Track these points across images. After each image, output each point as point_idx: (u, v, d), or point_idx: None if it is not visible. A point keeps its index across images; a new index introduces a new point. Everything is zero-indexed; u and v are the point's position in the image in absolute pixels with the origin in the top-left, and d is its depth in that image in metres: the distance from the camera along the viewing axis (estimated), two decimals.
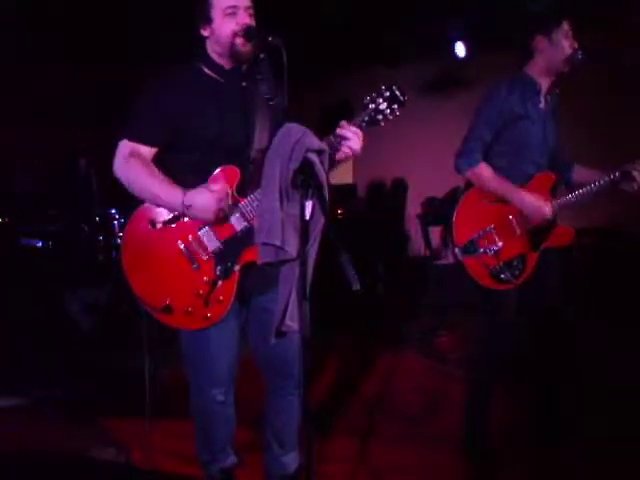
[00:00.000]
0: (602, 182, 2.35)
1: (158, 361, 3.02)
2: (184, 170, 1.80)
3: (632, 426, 2.70)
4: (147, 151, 1.80)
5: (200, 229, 1.78)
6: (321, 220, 1.68)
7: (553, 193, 2.41)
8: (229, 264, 1.77)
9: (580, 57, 2.28)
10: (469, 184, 2.39)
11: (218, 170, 1.76)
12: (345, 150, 1.75)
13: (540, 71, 2.37)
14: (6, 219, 3.94)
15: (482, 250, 2.31)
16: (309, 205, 1.59)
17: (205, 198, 1.70)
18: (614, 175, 2.34)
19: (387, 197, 6.67)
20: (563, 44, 2.30)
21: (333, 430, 2.76)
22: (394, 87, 1.77)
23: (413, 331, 4.48)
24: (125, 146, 1.79)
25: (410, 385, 3.40)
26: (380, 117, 1.78)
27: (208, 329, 1.81)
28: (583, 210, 2.49)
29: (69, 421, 2.92)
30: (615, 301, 4.09)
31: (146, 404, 2.92)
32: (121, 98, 2.52)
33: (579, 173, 2.55)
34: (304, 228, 1.54)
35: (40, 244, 4.30)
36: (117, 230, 4.36)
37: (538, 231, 2.37)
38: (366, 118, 1.77)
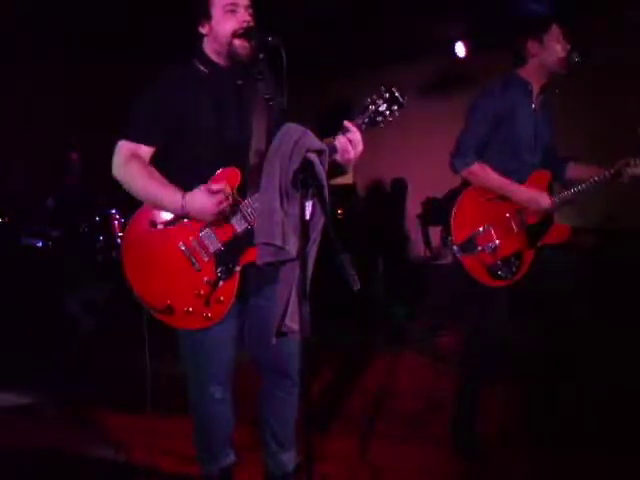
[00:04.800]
0: (601, 177, 2.36)
1: (158, 360, 3.03)
2: (183, 170, 1.80)
3: (632, 426, 2.70)
4: (146, 151, 1.80)
5: (202, 230, 1.78)
6: (321, 220, 1.68)
7: (550, 190, 2.43)
8: (230, 265, 1.77)
9: (576, 59, 2.30)
10: (465, 183, 2.41)
11: (219, 172, 1.76)
12: (343, 141, 1.73)
13: (532, 73, 2.40)
14: (6, 219, 3.94)
15: (480, 248, 2.32)
16: (309, 205, 1.59)
17: (204, 201, 1.70)
18: (609, 172, 2.36)
19: (387, 197, 6.66)
20: (555, 47, 2.32)
21: (333, 430, 2.76)
22: (394, 88, 1.78)
23: (413, 331, 4.48)
24: (123, 147, 1.79)
25: (410, 385, 3.40)
26: (380, 118, 1.79)
27: (207, 328, 1.81)
28: (579, 209, 2.50)
29: (69, 421, 2.92)
30: (614, 301, 4.09)
31: (147, 403, 2.92)
32: (121, 98, 2.52)
33: (574, 170, 2.55)
34: (304, 228, 1.54)
35: (40, 244, 4.30)
36: (117, 230, 4.36)
37: (535, 229, 2.40)
38: (366, 119, 1.78)
